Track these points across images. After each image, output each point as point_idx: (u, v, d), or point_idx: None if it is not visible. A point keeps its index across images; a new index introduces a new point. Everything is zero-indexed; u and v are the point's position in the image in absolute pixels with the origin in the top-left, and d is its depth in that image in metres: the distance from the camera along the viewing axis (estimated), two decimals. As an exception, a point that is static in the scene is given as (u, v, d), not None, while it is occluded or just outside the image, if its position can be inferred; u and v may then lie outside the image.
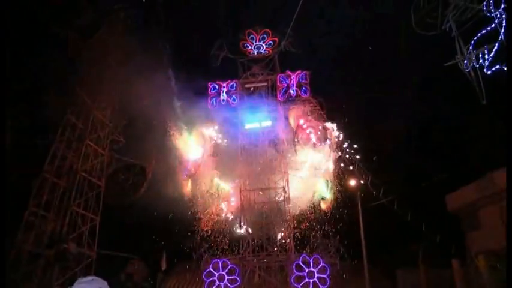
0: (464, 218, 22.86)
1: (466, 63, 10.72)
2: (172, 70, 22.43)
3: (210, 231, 21.35)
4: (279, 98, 22.64)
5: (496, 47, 10.25)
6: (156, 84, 21.59)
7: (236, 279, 19.16)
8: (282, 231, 20.96)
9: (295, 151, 21.47)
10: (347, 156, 22.12)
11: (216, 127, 23.11)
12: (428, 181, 25.09)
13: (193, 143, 23.11)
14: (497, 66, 10.30)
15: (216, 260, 19.86)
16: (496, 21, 10.22)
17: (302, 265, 18.68)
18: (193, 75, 23.84)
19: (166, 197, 22.01)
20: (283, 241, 20.69)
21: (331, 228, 20.26)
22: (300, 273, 18.63)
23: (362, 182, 22.14)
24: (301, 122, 21.59)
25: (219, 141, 23.10)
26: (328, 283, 18.42)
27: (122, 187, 22.63)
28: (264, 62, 23.92)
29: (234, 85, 23.79)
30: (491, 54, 10.25)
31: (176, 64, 23.15)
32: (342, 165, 21.82)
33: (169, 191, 22.09)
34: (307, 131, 21.26)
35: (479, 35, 10.59)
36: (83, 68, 21.71)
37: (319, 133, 21.31)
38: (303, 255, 19.20)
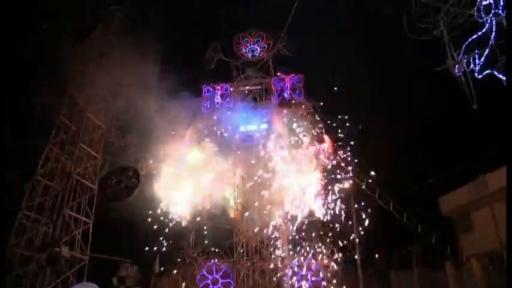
0: (457, 220, 22.96)
1: (458, 68, 10.79)
2: (167, 72, 22.39)
3: (203, 234, 21.35)
4: (273, 101, 22.70)
5: (486, 52, 10.33)
6: (150, 85, 21.57)
7: (230, 283, 19.17)
8: (276, 234, 20.96)
9: (289, 153, 21.51)
10: (341, 158, 22.19)
11: (211, 129, 23.12)
12: (422, 183, 25.21)
13: (188, 145, 23.13)
14: (488, 71, 10.39)
15: (209, 263, 19.85)
16: (487, 27, 10.31)
17: (296, 268, 18.72)
18: (188, 77, 23.82)
19: (159, 200, 21.99)
20: (277, 244, 20.69)
21: (325, 231, 20.30)
22: (293, 277, 18.66)
23: (355, 183, 22.17)
24: (294, 125, 21.63)
25: (213, 143, 23.10)
26: (321, 286, 18.47)
27: (115, 190, 22.51)
28: (258, 65, 23.98)
29: (228, 88, 23.82)
30: (482, 59, 10.32)
31: (171, 66, 23.10)
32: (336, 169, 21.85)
33: (162, 194, 22.07)
34: (301, 134, 21.32)
35: (470, 40, 10.67)
36: (76, 69, 21.57)
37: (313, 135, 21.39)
38: (297, 258, 19.24)
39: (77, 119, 21.99)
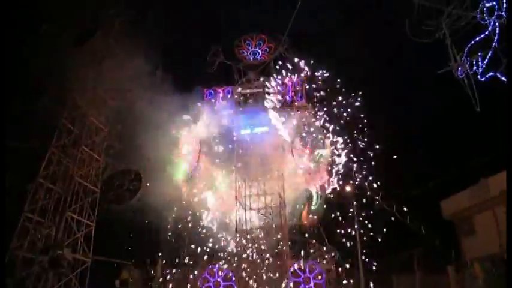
0: (459, 223, 22.95)
1: (460, 70, 10.81)
2: (168, 75, 22.46)
3: (205, 237, 21.32)
4: (275, 104, 22.71)
5: (489, 54, 10.36)
6: (151, 89, 21.60)
7: (232, 286, 19.13)
8: (278, 237, 20.94)
9: (292, 156, 21.53)
10: (344, 161, 22.20)
11: (212, 133, 23.15)
12: (424, 187, 25.18)
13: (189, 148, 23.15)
14: (491, 73, 10.41)
15: (211, 266, 19.82)
16: (489, 29, 10.35)
17: (298, 271, 18.70)
18: (189, 80, 23.88)
19: (162, 203, 21.97)
20: (279, 247, 20.65)
21: (327, 234, 20.29)
22: (295, 279, 18.63)
23: (357, 187, 22.19)
24: (297, 128, 21.67)
25: (215, 146, 23.13)
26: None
27: (117, 193, 22.51)
28: (260, 68, 24.03)
29: (230, 91, 23.87)
30: (485, 61, 10.35)
31: (172, 69, 23.18)
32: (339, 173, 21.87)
33: (165, 197, 22.05)
34: (303, 137, 21.35)
35: (472, 42, 10.70)
36: (78, 73, 21.62)
37: (314, 139, 21.40)
38: (299, 261, 19.21)
39: (79, 122, 22.04)
